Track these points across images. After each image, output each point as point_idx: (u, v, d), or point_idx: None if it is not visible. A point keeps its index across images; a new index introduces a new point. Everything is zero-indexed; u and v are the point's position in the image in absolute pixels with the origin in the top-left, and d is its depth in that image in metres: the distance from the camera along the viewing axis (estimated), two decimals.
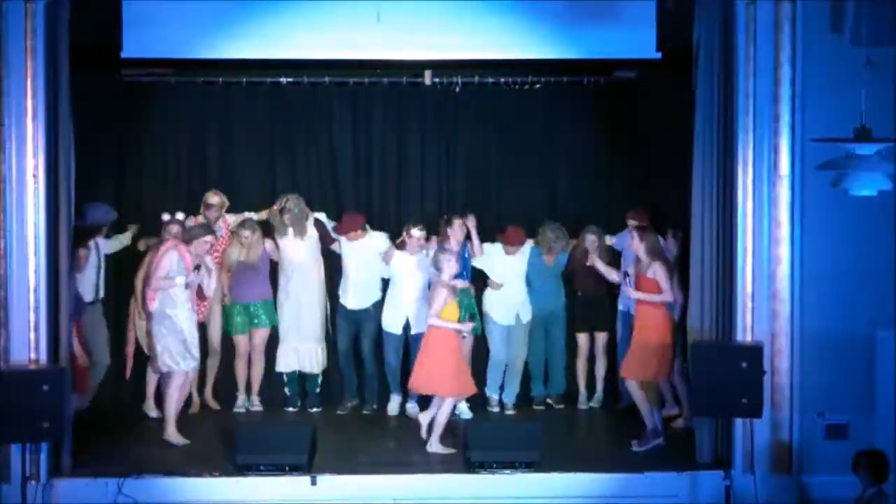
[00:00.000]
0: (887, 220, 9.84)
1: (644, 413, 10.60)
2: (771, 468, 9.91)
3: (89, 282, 11.24)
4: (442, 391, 10.61)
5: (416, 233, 11.50)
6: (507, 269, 11.65)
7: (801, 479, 9.95)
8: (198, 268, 10.74)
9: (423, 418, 10.74)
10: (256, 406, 11.90)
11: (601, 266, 11.21)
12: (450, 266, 10.59)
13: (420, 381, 10.69)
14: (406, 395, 11.83)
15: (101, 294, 11.43)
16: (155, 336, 10.74)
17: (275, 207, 11.66)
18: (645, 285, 10.63)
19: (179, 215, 11.47)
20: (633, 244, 10.76)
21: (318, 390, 11.93)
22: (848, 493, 8.72)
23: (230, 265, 11.62)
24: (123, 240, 11.71)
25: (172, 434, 10.75)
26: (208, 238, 10.79)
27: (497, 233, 11.79)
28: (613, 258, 11.70)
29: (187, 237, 10.81)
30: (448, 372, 10.54)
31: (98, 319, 11.39)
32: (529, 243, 11.75)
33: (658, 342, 10.51)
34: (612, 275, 11.19)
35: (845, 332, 9.91)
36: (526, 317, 11.74)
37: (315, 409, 11.85)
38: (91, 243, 11.25)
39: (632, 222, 11.42)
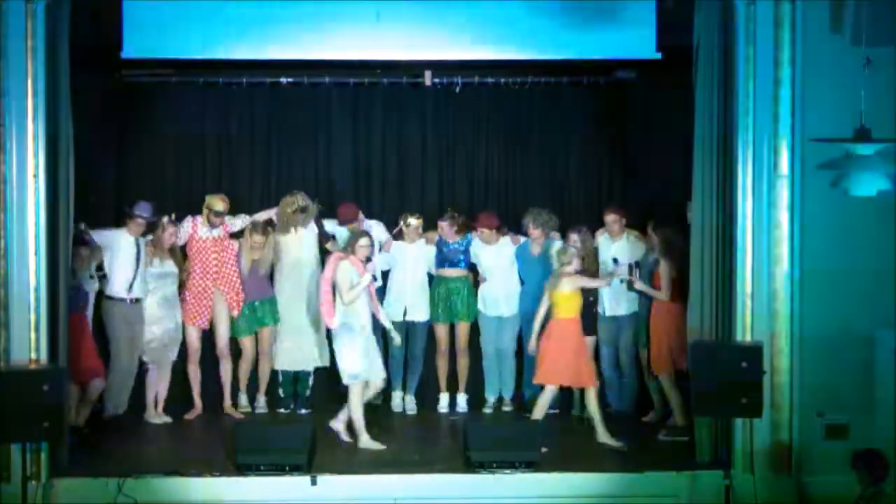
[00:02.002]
0: (887, 220, 9.84)
1: (675, 407, 10.75)
2: (771, 468, 9.91)
3: (125, 277, 11.18)
4: (584, 382, 10.64)
5: (413, 221, 11.56)
6: (491, 260, 11.64)
7: (801, 478, 9.95)
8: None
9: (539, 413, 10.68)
10: (262, 407, 11.88)
11: (643, 287, 11.07)
12: (574, 261, 10.64)
13: (556, 372, 10.56)
14: (406, 390, 11.87)
15: (141, 293, 11.31)
16: (339, 350, 10.66)
17: (288, 210, 11.60)
18: (654, 279, 10.90)
19: (165, 219, 11.42)
20: (651, 239, 11.15)
21: (308, 392, 11.93)
22: (848, 493, 8.72)
23: (243, 268, 11.63)
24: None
25: (367, 442, 10.61)
26: (364, 241, 10.65)
27: (473, 224, 11.78)
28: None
29: (348, 246, 10.69)
30: (583, 361, 10.58)
31: (138, 318, 11.32)
32: (507, 238, 11.72)
33: (675, 331, 10.56)
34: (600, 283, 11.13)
35: (845, 332, 9.91)
36: (510, 310, 11.72)
37: (305, 411, 11.82)
38: (131, 239, 11.21)
39: (611, 217, 11.53)
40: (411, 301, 11.72)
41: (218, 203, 11.59)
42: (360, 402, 10.60)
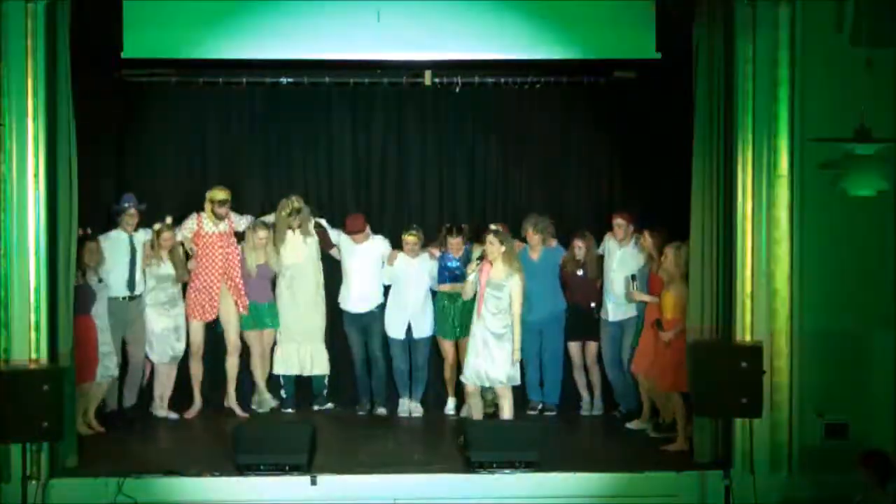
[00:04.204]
0: (886, 220, 9.84)
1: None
2: (770, 468, 9.91)
3: (120, 276, 11.21)
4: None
5: (409, 238, 11.55)
6: None
7: (801, 478, 9.95)
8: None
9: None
10: (272, 402, 11.89)
11: (643, 297, 11.09)
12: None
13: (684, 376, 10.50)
14: (412, 397, 11.86)
15: (139, 290, 11.37)
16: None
17: (283, 213, 11.63)
18: (656, 286, 10.84)
19: (168, 219, 11.45)
20: (646, 243, 11.09)
21: (325, 391, 11.94)
22: (847, 492, 8.72)
23: (250, 268, 11.63)
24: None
25: None
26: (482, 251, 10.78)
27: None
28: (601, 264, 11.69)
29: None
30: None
31: (136, 316, 11.35)
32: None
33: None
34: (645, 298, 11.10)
35: (844, 332, 9.91)
36: None
37: (328, 406, 11.88)
38: (125, 236, 11.26)
39: (616, 220, 11.50)
40: (413, 317, 11.70)
41: (219, 193, 11.60)
42: (474, 405, 10.69)
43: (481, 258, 10.66)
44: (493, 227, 10.89)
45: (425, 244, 11.74)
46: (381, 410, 11.88)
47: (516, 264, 10.64)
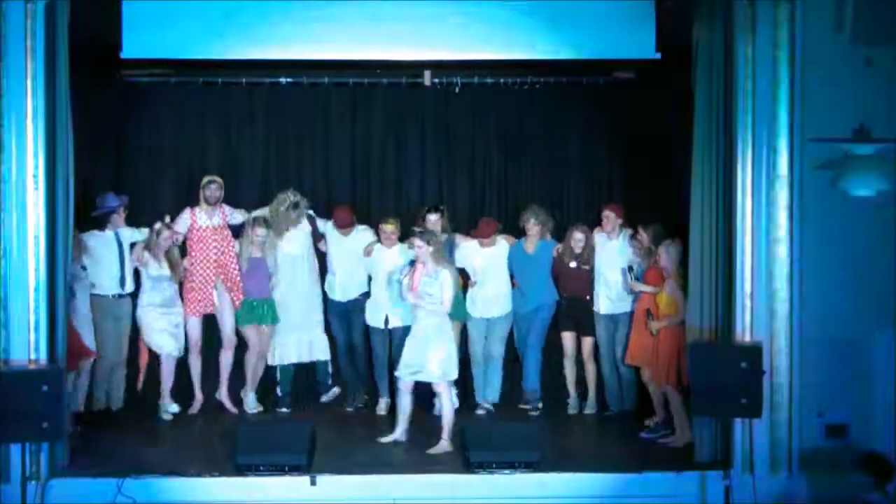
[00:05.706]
0: (886, 220, 9.84)
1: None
2: (770, 468, 9.90)
3: (109, 274, 11.25)
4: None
5: (386, 227, 11.53)
6: (484, 262, 11.60)
7: (800, 478, 9.95)
8: None
9: None
10: (256, 405, 11.90)
11: (643, 287, 11.12)
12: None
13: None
14: (394, 396, 11.86)
15: (129, 288, 11.40)
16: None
17: (282, 208, 11.64)
18: (653, 278, 10.81)
19: (167, 219, 11.50)
20: (643, 238, 11.09)
21: (329, 381, 11.98)
22: (847, 493, 8.72)
23: (243, 262, 11.64)
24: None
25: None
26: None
27: (471, 230, 11.77)
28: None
29: None
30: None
31: (125, 315, 11.37)
32: (503, 240, 11.69)
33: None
34: (642, 287, 11.13)
35: (844, 332, 9.91)
36: (504, 311, 11.67)
37: (334, 391, 11.90)
38: (111, 234, 11.29)
39: (604, 212, 11.51)
40: (390, 307, 11.69)
41: (207, 178, 11.63)
42: (405, 403, 10.69)
43: (413, 263, 10.66)
44: (416, 229, 10.97)
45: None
46: (360, 403, 11.91)
47: (444, 261, 10.62)
